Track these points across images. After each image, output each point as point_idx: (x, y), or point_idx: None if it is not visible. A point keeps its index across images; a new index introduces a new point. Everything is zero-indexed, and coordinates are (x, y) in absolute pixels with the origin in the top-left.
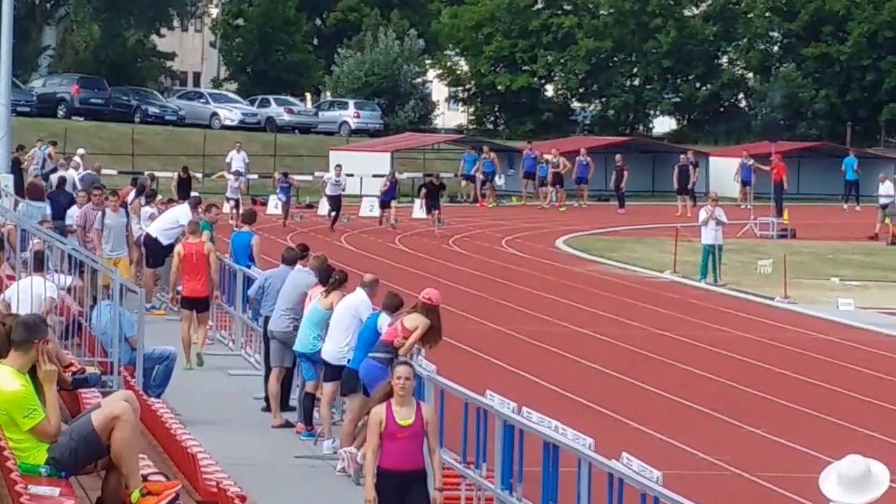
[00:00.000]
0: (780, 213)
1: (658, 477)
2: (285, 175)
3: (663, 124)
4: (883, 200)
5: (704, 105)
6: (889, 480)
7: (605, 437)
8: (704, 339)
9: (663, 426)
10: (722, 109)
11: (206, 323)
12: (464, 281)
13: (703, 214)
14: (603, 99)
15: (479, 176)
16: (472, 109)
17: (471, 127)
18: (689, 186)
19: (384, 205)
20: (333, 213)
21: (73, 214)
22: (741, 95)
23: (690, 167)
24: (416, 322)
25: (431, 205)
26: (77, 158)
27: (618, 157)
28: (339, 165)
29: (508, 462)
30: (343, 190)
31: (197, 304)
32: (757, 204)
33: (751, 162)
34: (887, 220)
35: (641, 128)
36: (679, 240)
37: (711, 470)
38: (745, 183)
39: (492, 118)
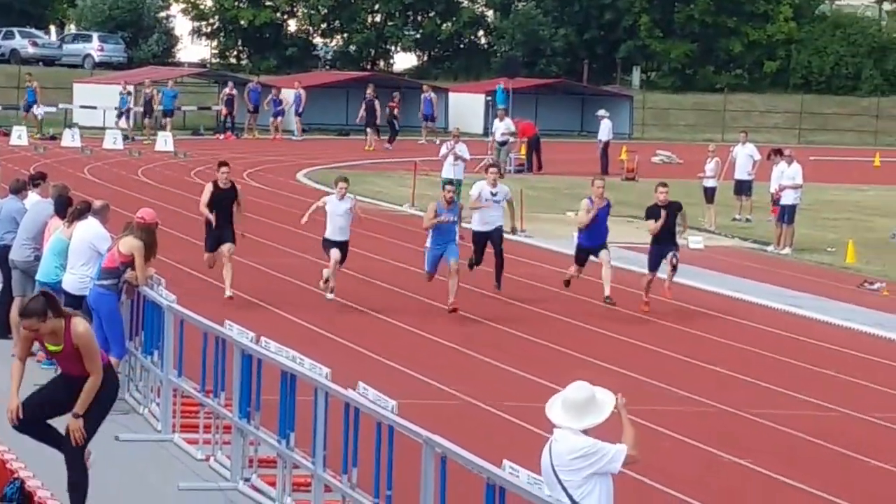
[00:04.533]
0: (540, 168)
1: (393, 406)
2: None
3: (405, 60)
4: (500, 138)
5: (445, 42)
6: (613, 406)
7: (342, 366)
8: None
9: (400, 356)
10: (462, 46)
11: None
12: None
13: (443, 149)
14: (345, 35)
15: (225, 109)
16: (215, 44)
17: (214, 61)
18: (375, 121)
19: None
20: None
21: None
22: (481, 33)
23: (376, 101)
24: (130, 245)
25: (664, 248)
26: None
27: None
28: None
29: (246, 391)
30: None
31: None
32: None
33: (432, 96)
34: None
35: (382, 63)
36: (418, 174)
37: (446, 399)
38: (426, 118)
39: (235, 53)
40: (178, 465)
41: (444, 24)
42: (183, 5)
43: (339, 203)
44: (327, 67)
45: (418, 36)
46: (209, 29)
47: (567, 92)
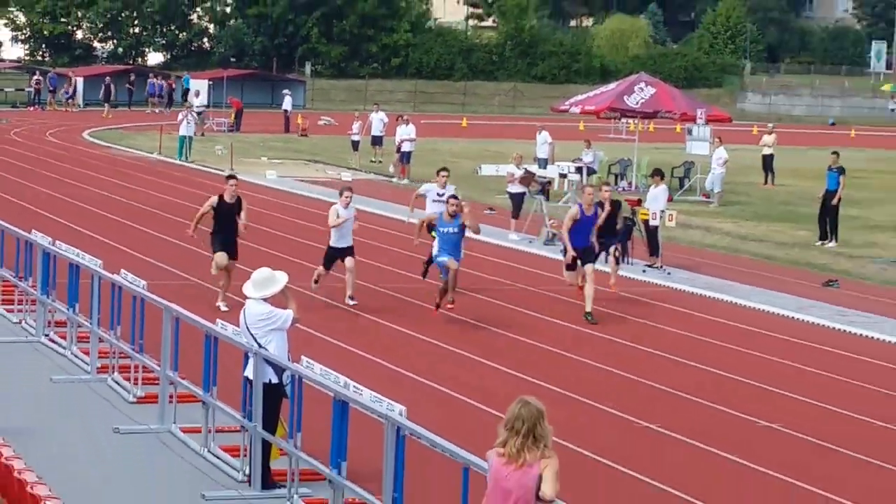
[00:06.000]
0: (238, 129)
1: (144, 284)
2: None
3: (156, 58)
4: (197, 109)
5: (182, 45)
6: (286, 281)
7: (112, 259)
8: (182, 196)
9: (151, 253)
10: (193, 48)
11: None
12: (17, 158)
13: (180, 116)
14: (115, 41)
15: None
16: (27, 46)
17: (27, 58)
18: (110, 97)
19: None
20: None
21: None
22: (205, 39)
23: (113, 84)
24: None
25: (606, 240)
26: None
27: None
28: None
29: (45, 276)
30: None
31: None
32: (214, 110)
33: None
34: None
35: (141, 60)
36: (163, 133)
37: (184, 281)
38: (150, 95)
39: (41, 52)
40: None
41: (181, 34)
42: (5, 21)
43: (344, 212)
44: (104, 62)
45: (164, 42)
46: (23, 37)
47: (263, 79)
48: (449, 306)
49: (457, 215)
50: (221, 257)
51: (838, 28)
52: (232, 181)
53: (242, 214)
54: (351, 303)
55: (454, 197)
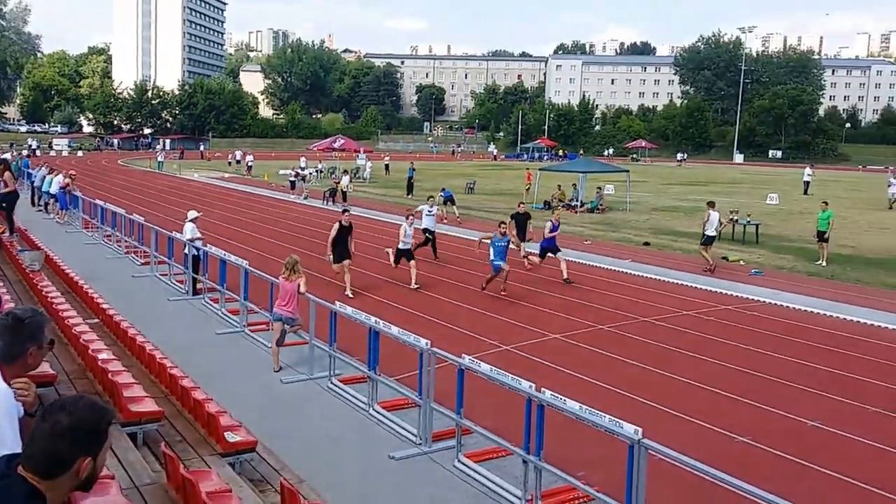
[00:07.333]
0: (182, 158)
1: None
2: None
3: (148, 130)
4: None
5: (159, 126)
6: (199, 213)
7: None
8: (157, 185)
9: (148, 210)
10: (164, 126)
11: None
12: (85, 172)
13: (158, 153)
14: (128, 123)
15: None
16: (95, 129)
17: (95, 132)
18: (121, 146)
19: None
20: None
21: None
22: (168, 124)
23: (121, 141)
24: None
25: (523, 235)
26: None
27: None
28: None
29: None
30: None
31: None
32: (172, 151)
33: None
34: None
35: (139, 131)
36: (151, 160)
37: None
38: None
39: (99, 130)
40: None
41: (158, 121)
42: (85, 118)
43: (409, 229)
44: (124, 132)
45: (150, 123)
46: (93, 124)
47: (192, 139)
48: (503, 294)
49: (505, 235)
50: (337, 266)
51: (412, 118)
52: (346, 214)
53: (352, 235)
54: (414, 286)
55: (503, 223)
